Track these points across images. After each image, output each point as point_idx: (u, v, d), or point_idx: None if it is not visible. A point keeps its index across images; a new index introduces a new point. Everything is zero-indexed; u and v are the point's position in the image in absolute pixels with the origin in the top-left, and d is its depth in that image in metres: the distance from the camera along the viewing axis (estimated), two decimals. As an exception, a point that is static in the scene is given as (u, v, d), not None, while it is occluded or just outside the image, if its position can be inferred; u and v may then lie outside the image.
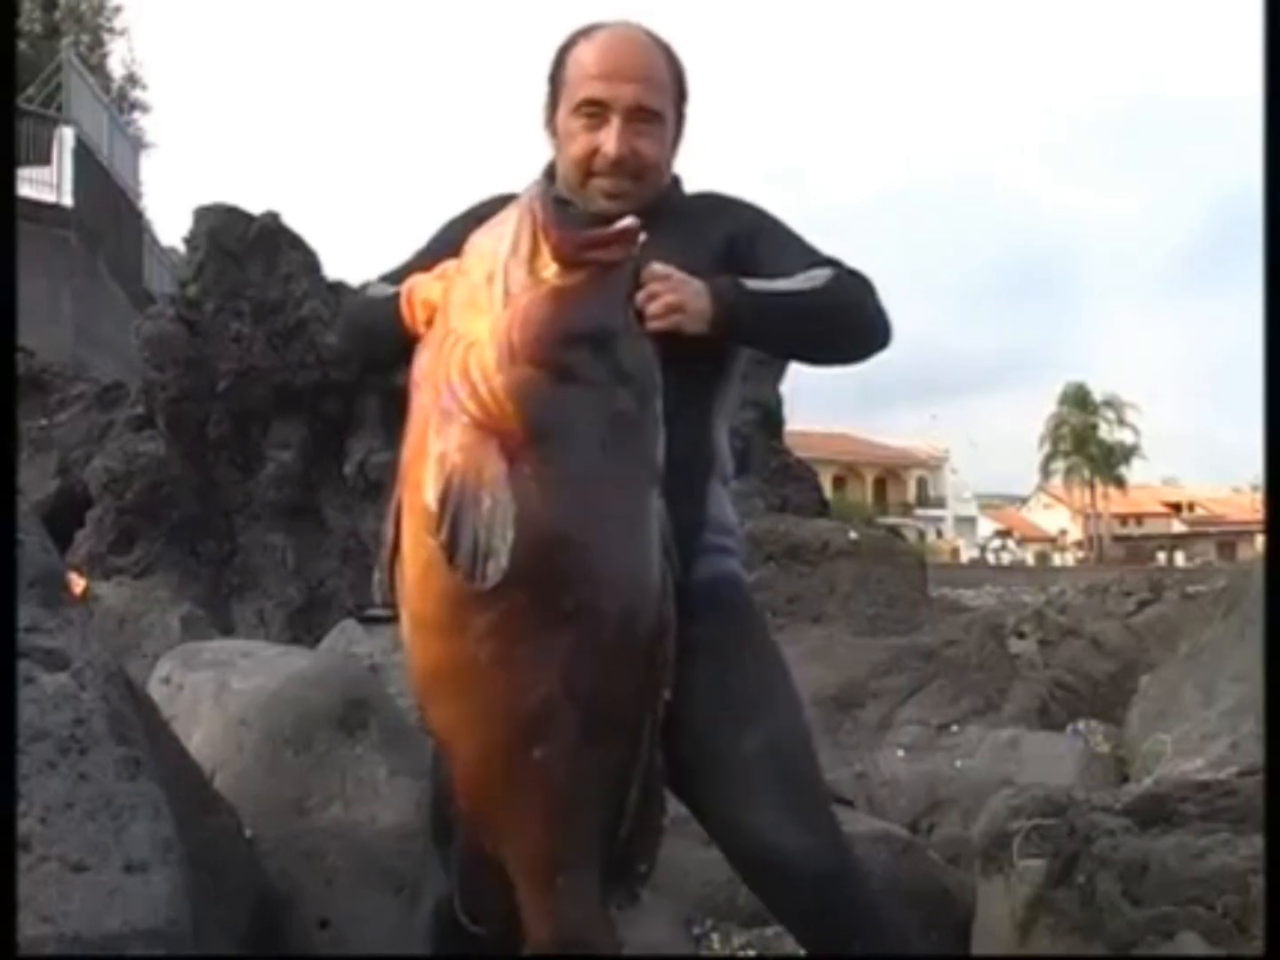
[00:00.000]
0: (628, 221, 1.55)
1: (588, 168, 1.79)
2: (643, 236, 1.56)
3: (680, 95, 1.86)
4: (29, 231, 10.25)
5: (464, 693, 1.55)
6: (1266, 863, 1.98)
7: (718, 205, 1.90)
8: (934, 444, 59.64)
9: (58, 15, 19.16)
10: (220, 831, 2.31)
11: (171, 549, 7.50)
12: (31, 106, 13.89)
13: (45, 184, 13.81)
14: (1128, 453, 55.56)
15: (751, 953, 2.68)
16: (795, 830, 1.66)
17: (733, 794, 1.68)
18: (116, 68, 20.85)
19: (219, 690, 2.79)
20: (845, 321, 1.77)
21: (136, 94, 21.28)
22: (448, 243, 1.84)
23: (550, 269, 1.51)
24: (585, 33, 1.85)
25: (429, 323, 1.60)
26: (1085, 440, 55.00)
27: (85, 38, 19.56)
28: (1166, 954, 2.22)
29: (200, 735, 2.68)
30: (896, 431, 61.90)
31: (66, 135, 14.24)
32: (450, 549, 1.45)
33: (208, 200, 8.15)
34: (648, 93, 1.79)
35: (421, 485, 1.50)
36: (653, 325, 1.58)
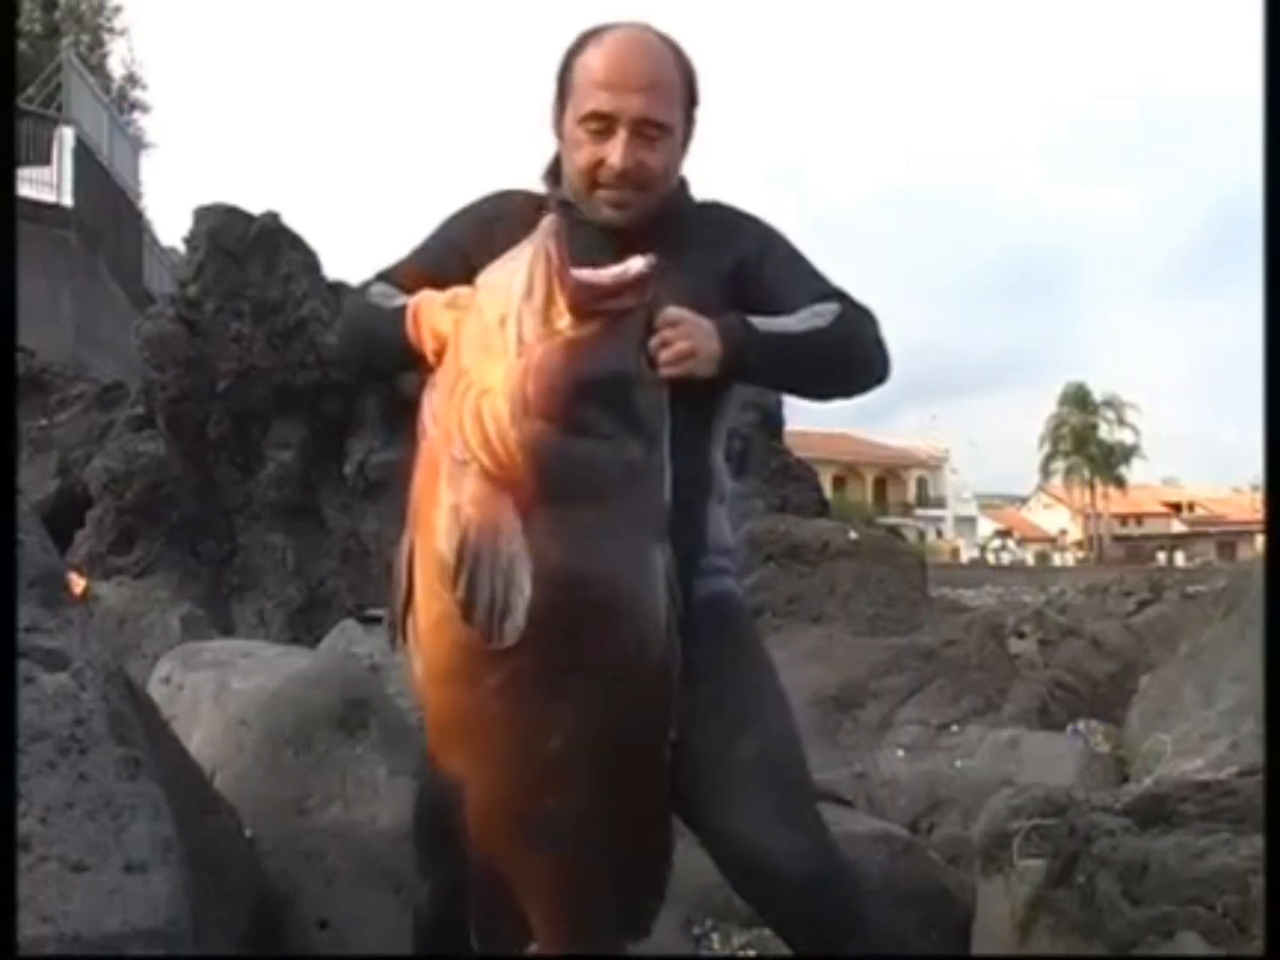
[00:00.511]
0: (640, 265, 1.52)
1: (593, 178, 1.78)
2: (650, 259, 1.54)
3: (690, 100, 1.84)
4: (29, 231, 10.25)
5: (477, 742, 1.56)
6: (1266, 863, 1.98)
7: (728, 223, 1.88)
8: (934, 444, 59.64)
9: (58, 15, 19.16)
10: (220, 831, 2.31)
11: (171, 549, 7.51)
12: (31, 106, 13.89)
13: (45, 184, 13.81)
14: (1128, 453, 55.60)
15: (751, 953, 2.68)
16: (784, 835, 1.67)
17: (723, 801, 1.69)
18: (116, 68, 20.90)
19: (219, 690, 2.79)
20: (847, 361, 1.79)
21: (136, 94, 21.32)
22: (447, 240, 1.84)
23: (565, 319, 1.50)
24: (594, 35, 1.81)
25: (438, 352, 1.59)
26: (1085, 440, 55.02)
27: (85, 38, 19.56)
28: (1166, 954, 2.21)
29: (200, 735, 2.67)
30: (896, 431, 61.97)
31: (66, 135, 14.23)
32: (467, 606, 1.45)
33: (208, 200, 8.17)
34: (655, 105, 1.76)
35: (434, 534, 1.50)
36: (665, 372, 1.58)
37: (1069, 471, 56.32)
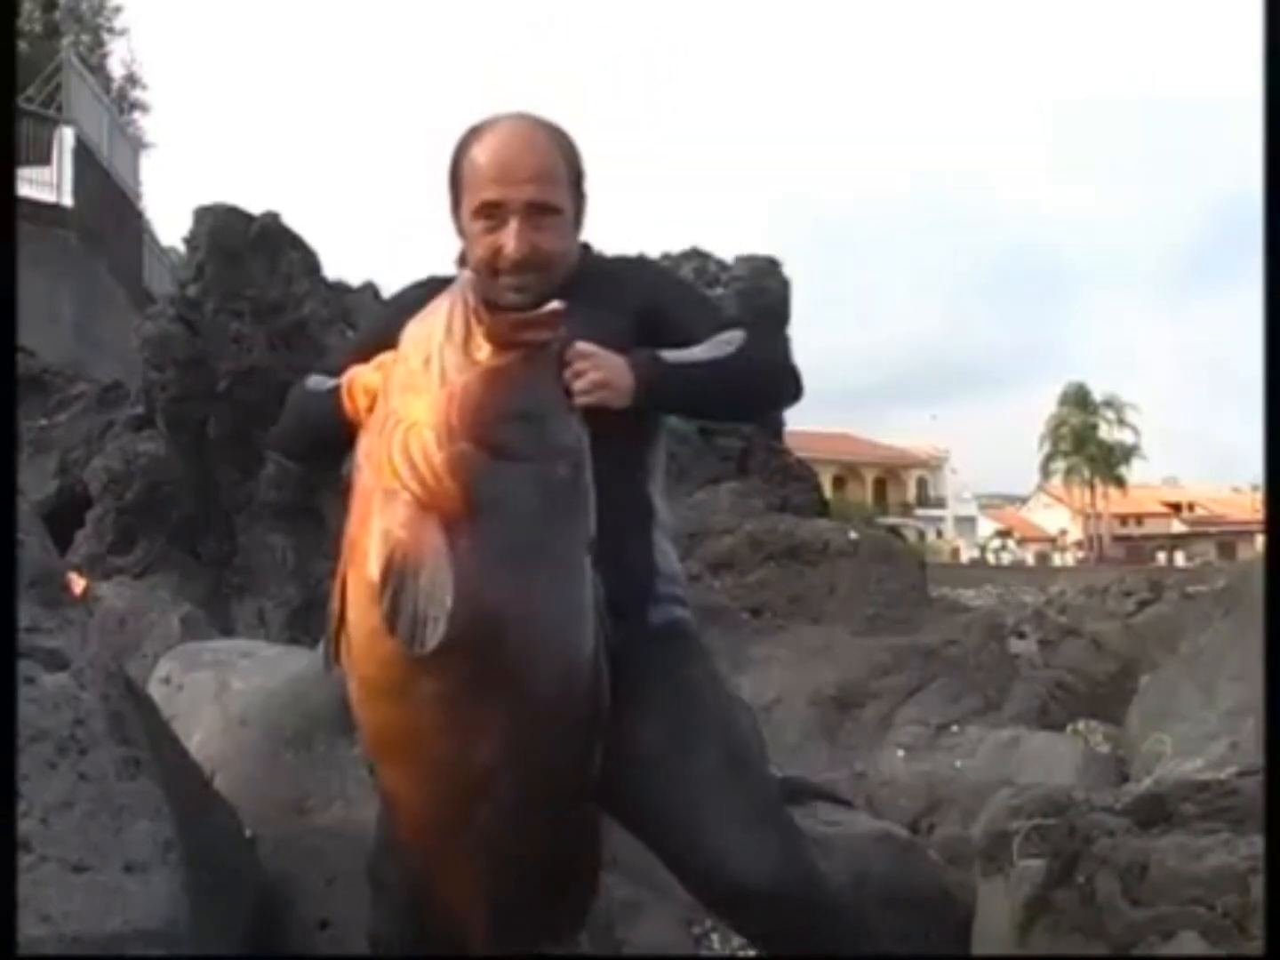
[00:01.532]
0: (554, 305, 1.63)
1: (493, 267, 1.85)
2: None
3: (577, 180, 1.92)
4: (29, 231, 10.23)
5: (410, 755, 1.62)
6: (1266, 863, 1.98)
7: (626, 275, 1.97)
8: (934, 444, 59.66)
9: (58, 15, 19.14)
10: (220, 831, 2.31)
11: (171, 549, 7.51)
12: (31, 106, 13.85)
13: (45, 184, 13.78)
14: (1128, 453, 55.61)
15: (751, 953, 2.68)
16: (747, 846, 1.69)
17: (687, 820, 1.72)
18: (116, 68, 20.85)
19: (219, 690, 2.80)
20: (756, 382, 1.88)
21: (136, 94, 21.27)
22: (376, 330, 1.94)
23: (484, 350, 1.59)
24: (477, 133, 1.90)
25: (370, 409, 1.67)
26: (1085, 440, 55.03)
27: (85, 38, 19.55)
28: (1166, 954, 2.22)
29: (200, 735, 2.68)
30: (896, 431, 62.00)
31: (66, 135, 14.21)
32: (391, 619, 1.53)
33: (208, 200, 8.17)
34: (542, 189, 1.85)
35: (367, 559, 1.57)
36: (580, 401, 1.66)
37: (1069, 471, 56.32)
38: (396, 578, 1.53)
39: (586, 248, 1.98)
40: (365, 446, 1.63)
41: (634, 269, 2.02)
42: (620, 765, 1.71)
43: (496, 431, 1.56)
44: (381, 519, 1.56)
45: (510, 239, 1.83)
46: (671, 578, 1.93)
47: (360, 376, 1.72)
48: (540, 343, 1.62)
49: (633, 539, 1.83)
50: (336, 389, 1.77)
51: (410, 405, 1.58)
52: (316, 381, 1.92)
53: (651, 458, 1.95)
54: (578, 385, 1.65)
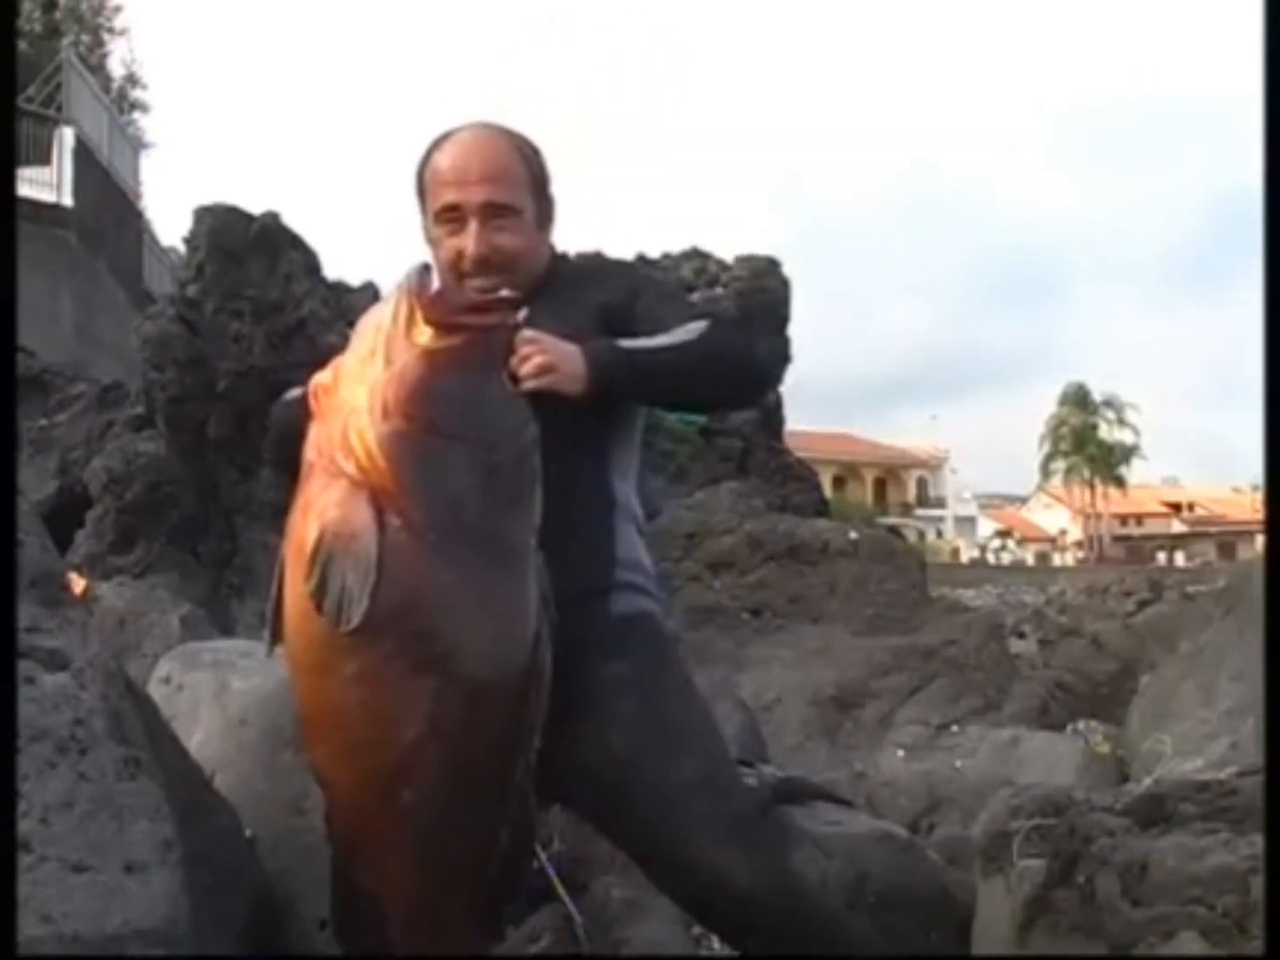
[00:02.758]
0: (502, 293, 1.67)
1: (457, 270, 1.86)
2: (523, 313, 1.68)
3: (539, 183, 1.93)
4: (29, 231, 10.26)
5: (338, 733, 1.62)
6: (1266, 863, 1.98)
7: (593, 272, 1.98)
8: (934, 444, 59.67)
9: (58, 15, 19.14)
10: (220, 831, 2.31)
11: (171, 549, 7.51)
12: (31, 106, 13.85)
13: (45, 184, 13.79)
14: (1128, 453, 55.62)
15: (751, 953, 2.68)
16: (732, 859, 1.67)
17: (665, 831, 1.70)
18: (116, 68, 20.85)
19: (219, 690, 2.79)
20: (724, 368, 1.83)
21: (136, 94, 21.27)
22: None
23: (425, 334, 1.60)
24: (438, 142, 1.92)
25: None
26: (1085, 440, 55.04)
27: (85, 38, 19.55)
28: (1166, 954, 2.21)
29: (200, 735, 2.67)
30: (896, 431, 62.03)
31: (66, 135, 14.21)
32: (319, 595, 1.54)
33: (208, 200, 8.17)
34: (499, 190, 1.86)
35: (303, 539, 1.59)
36: (526, 385, 1.65)
37: (1069, 471, 56.32)
38: (325, 554, 1.54)
39: (564, 255, 1.99)
40: (313, 436, 1.65)
41: (604, 269, 2.02)
42: (586, 771, 1.72)
43: (429, 410, 1.57)
44: (320, 501, 1.58)
45: (469, 238, 1.84)
46: (633, 567, 1.90)
47: (317, 378, 1.73)
48: (483, 327, 1.63)
49: (588, 527, 1.83)
50: (304, 396, 1.77)
51: (355, 393, 1.60)
52: (291, 394, 1.94)
53: (616, 448, 1.93)
54: (523, 370, 1.65)
